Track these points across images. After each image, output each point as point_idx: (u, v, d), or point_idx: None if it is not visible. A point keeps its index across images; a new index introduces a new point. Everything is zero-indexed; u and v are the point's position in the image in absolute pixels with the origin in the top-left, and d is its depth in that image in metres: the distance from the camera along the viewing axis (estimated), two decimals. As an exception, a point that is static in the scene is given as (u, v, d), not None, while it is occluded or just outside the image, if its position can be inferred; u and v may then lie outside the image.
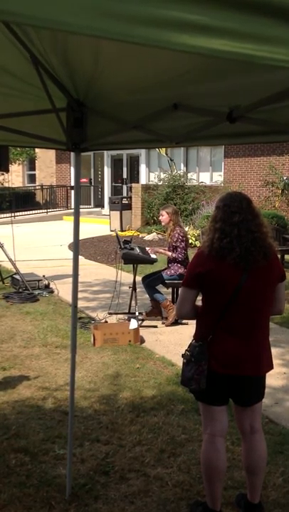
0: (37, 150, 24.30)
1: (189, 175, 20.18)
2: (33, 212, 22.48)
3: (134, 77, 2.32)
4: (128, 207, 18.55)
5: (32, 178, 28.34)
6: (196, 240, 13.48)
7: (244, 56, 0.94)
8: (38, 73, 2.36)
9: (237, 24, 0.92)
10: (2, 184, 21.62)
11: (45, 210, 22.86)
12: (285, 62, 0.94)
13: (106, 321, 6.92)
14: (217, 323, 2.77)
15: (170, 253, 7.12)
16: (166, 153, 20.74)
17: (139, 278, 7.60)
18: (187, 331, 6.50)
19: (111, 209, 18.89)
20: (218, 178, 20.20)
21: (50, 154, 26.02)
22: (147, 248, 7.68)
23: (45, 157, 26.24)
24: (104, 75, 2.37)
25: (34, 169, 27.98)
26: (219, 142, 3.39)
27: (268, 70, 1.83)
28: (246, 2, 0.91)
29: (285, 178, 17.33)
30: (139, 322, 6.81)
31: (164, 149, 19.99)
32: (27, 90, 2.63)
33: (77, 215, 3.27)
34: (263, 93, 2.18)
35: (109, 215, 18.74)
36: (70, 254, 11.13)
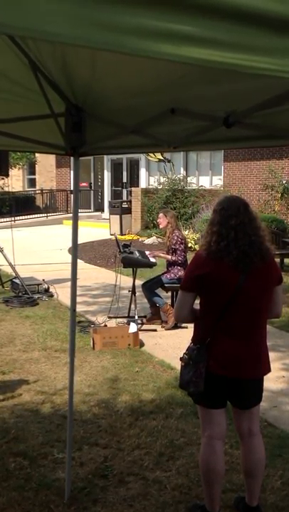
0: (37, 154, 24.31)
1: (189, 179, 20.22)
2: (33, 216, 22.49)
3: (132, 82, 2.34)
4: (128, 211, 18.55)
5: (32, 183, 28.36)
6: (195, 244, 13.49)
7: (229, 65, 0.95)
8: (36, 78, 2.38)
9: (223, 34, 0.93)
10: (2, 188, 21.64)
11: (45, 215, 22.87)
12: (270, 70, 0.96)
13: (105, 325, 6.92)
14: (217, 323, 2.79)
15: (170, 256, 7.12)
16: (164, 157, 20.75)
17: (138, 282, 7.60)
18: (186, 334, 6.49)
19: (111, 213, 18.89)
20: (217, 181, 20.24)
21: (50, 158, 26.04)
22: (147, 252, 7.69)
23: (45, 161, 26.27)
24: (102, 80, 2.39)
25: (34, 173, 28.01)
26: (217, 147, 3.42)
27: (263, 75, 1.85)
28: (232, 12, 0.92)
29: (284, 181, 17.36)
30: (139, 326, 6.81)
31: (158, 155, 20.01)
32: (26, 95, 2.65)
33: (75, 219, 3.29)
34: (259, 98, 2.20)
35: (109, 219, 18.74)
36: (70, 258, 11.14)
